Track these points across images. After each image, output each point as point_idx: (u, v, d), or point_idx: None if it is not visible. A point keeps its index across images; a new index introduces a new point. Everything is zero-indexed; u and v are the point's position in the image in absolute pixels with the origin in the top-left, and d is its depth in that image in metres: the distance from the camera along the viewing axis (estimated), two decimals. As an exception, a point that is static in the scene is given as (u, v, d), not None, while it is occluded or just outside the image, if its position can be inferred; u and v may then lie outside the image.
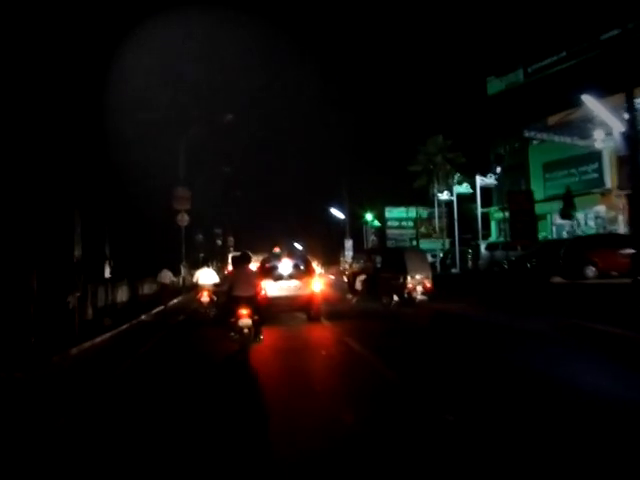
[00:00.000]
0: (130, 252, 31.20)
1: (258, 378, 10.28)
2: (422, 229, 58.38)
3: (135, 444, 6.64)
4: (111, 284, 23.15)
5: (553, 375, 9.36)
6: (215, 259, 48.36)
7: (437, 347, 13.24)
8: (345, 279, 30.42)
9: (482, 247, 40.22)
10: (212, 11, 41.25)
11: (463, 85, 54.60)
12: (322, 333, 16.82)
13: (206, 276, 20.73)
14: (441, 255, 47.72)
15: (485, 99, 50.42)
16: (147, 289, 30.16)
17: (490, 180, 44.01)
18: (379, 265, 25.25)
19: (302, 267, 19.66)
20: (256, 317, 12.43)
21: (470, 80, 52.91)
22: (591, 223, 39.93)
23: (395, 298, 22.94)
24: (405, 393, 8.71)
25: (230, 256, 42.79)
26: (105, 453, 6.37)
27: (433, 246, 51.78)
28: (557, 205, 39.75)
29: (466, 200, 49.38)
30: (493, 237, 47.36)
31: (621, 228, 35.87)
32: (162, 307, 24.85)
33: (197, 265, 46.83)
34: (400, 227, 61.28)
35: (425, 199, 56.48)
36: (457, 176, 47.66)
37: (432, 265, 31.06)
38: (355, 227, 61.99)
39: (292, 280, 19.02)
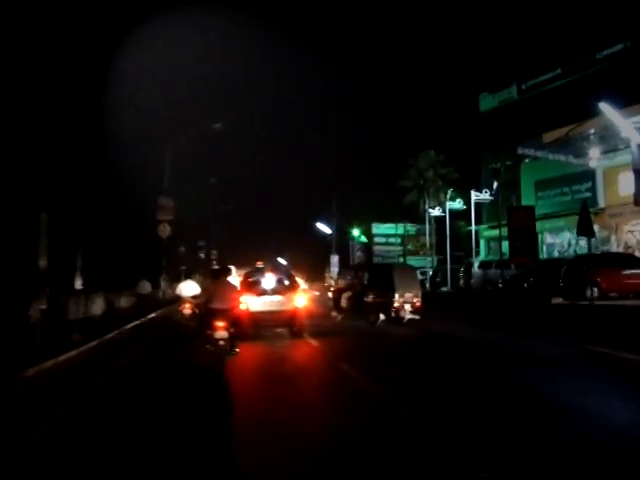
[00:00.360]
0: (106, 263, 29.96)
1: (233, 393, 10.11)
2: (409, 246, 57.51)
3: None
4: (85, 296, 21.98)
5: (588, 412, 8.15)
6: (198, 272, 47.25)
7: (439, 373, 12.05)
8: (330, 295, 29.20)
9: (475, 265, 39.19)
10: (210, 11, 40.54)
11: (455, 101, 54.06)
12: (306, 352, 16.13)
13: (189, 288, 20.48)
14: (430, 273, 46.44)
15: (477, 115, 49.91)
16: (125, 302, 29.06)
17: (485, 196, 42.98)
18: (366, 282, 24.16)
19: (286, 282, 19.25)
20: (232, 330, 12.44)
21: (463, 96, 52.43)
22: (582, 243, 39.16)
23: (382, 317, 21.93)
24: (414, 428, 7.60)
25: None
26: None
27: (422, 263, 50.68)
28: (549, 224, 39.13)
29: (456, 217, 48.57)
30: (482, 255, 46.54)
31: (613, 248, 35.27)
32: (139, 321, 23.92)
33: (179, 278, 46.17)
34: (387, 243, 60.62)
35: (415, 215, 55.45)
36: (450, 192, 46.50)
37: (421, 283, 30.03)
38: (341, 242, 61.29)
39: (275, 295, 18.59)
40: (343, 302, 24.83)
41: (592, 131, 33.66)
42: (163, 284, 35.26)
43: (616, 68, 35.49)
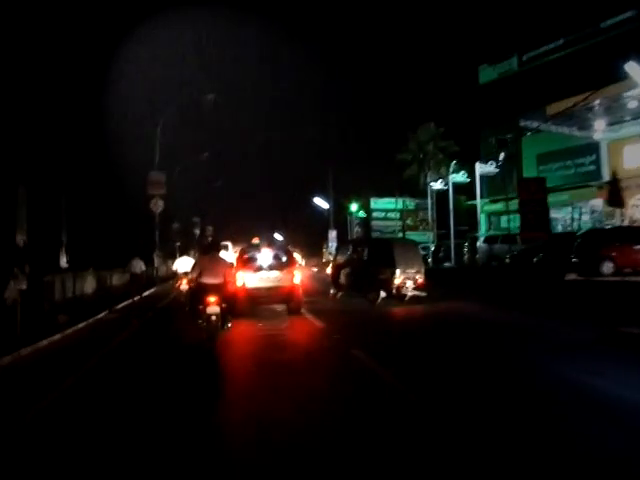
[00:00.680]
0: (97, 239, 29.05)
1: (226, 370, 10.04)
2: (408, 221, 56.58)
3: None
4: (73, 274, 21.09)
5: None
6: (193, 248, 46.40)
7: (453, 357, 10.85)
8: (329, 271, 28.26)
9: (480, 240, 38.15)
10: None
11: (454, 73, 52.68)
12: (305, 329, 15.63)
13: (185, 264, 20.18)
14: (432, 248, 45.32)
15: (477, 88, 48.90)
16: (117, 280, 28.21)
17: (490, 168, 41.93)
18: (365, 257, 23.26)
19: (282, 258, 18.94)
20: (224, 305, 12.33)
21: (462, 68, 51.08)
22: (585, 217, 38.43)
23: (382, 294, 21.02)
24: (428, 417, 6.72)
25: (209, 245, 40.85)
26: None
27: (422, 239, 49.67)
28: (552, 198, 38.04)
29: (455, 192, 47.61)
30: (483, 230, 45.69)
31: (618, 222, 34.46)
32: (131, 300, 23.20)
33: (173, 255, 45.38)
34: (386, 218, 59.56)
35: (414, 189, 54.46)
36: (454, 164, 45.32)
37: (423, 259, 29.03)
38: (339, 218, 60.41)
39: (272, 271, 18.29)
40: (342, 279, 23.92)
41: (597, 102, 32.68)
42: (157, 261, 34.19)
43: (623, 37, 34.41)
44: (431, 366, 9.97)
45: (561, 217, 38.73)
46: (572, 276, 21.43)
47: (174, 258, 43.84)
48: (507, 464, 5.34)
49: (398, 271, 20.63)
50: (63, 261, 15.14)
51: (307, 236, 68.56)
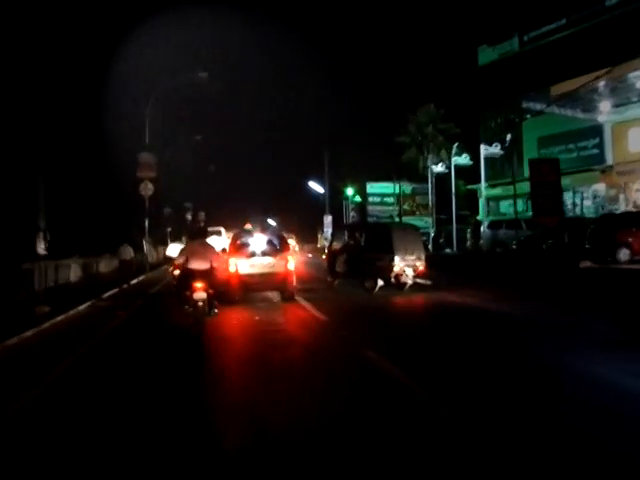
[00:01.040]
0: (81, 224, 27.92)
1: (213, 355, 9.87)
2: (405, 206, 55.59)
3: None
4: (55, 262, 20.03)
5: None
6: (185, 234, 45.41)
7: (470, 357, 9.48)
8: (324, 257, 27.14)
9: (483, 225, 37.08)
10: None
11: (453, 54, 51.57)
12: (300, 316, 15.08)
13: (178, 250, 18.90)
14: (432, 234, 44.13)
15: (476, 69, 47.84)
16: (104, 267, 27.22)
17: (495, 150, 40.89)
18: (362, 243, 22.20)
19: (276, 244, 18.68)
20: (211, 291, 12.21)
21: (460, 49, 49.97)
22: (587, 202, 37.55)
23: (380, 282, 19.95)
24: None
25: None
26: None
27: (419, 224, 48.59)
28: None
29: (449, 177, 46.59)
30: (481, 215, 44.76)
31: (622, 207, 33.62)
32: (119, 288, 22.15)
33: (164, 240, 44.39)
34: (382, 203, 58.70)
35: (413, 173, 53.29)
36: (456, 146, 44.04)
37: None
38: (335, 203, 59.48)
39: (265, 257, 18.09)
40: (338, 266, 22.81)
41: (602, 83, 31.68)
42: (146, 247, 32.93)
43: (628, 16, 33.33)
44: (463, 375, 8.25)
45: (568, 202, 37.88)
46: (587, 263, 20.41)
47: (165, 244, 43.02)
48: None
49: (397, 258, 19.55)
50: (41, 247, 14.03)
51: (302, 221, 67.78)
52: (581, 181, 36.73)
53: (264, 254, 18.08)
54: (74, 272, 22.27)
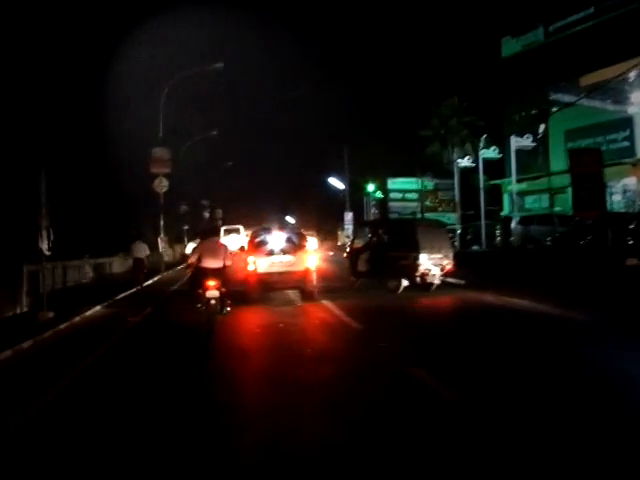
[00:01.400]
0: (92, 223, 27.09)
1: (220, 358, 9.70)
2: (427, 202, 54.47)
3: None
4: (62, 263, 19.18)
5: None
6: (198, 232, 44.82)
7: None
8: (345, 255, 25.96)
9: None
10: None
11: (476, 46, 50.29)
12: (324, 318, 14.34)
13: None
14: (458, 230, 42.61)
15: (499, 62, 46.84)
16: (118, 267, 26.28)
17: (527, 142, 39.73)
18: (386, 241, 21.11)
19: (295, 241, 18.42)
20: (223, 289, 12.35)
21: (484, 40, 48.72)
22: (617, 197, 36.24)
23: (404, 282, 18.85)
24: None
25: (222, 230, 39.23)
26: None
27: (444, 220, 47.29)
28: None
29: (471, 172, 45.32)
30: (505, 211, 43.55)
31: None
32: (131, 290, 21.12)
33: (180, 239, 43.66)
34: (404, 199, 57.80)
35: (437, 168, 51.88)
36: (484, 139, 42.55)
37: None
38: (355, 199, 58.51)
39: (285, 255, 17.85)
40: (360, 265, 21.67)
41: (633, 73, 30.51)
42: (162, 245, 31.85)
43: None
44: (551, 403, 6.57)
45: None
46: (633, 261, 19.06)
47: (182, 243, 42.26)
48: None
49: (422, 256, 18.42)
50: (44, 247, 13.08)
51: (322, 218, 66.96)
52: (610, 175, 35.33)
53: (283, 252, 17.82)
54: (85, 273, 21.40)
